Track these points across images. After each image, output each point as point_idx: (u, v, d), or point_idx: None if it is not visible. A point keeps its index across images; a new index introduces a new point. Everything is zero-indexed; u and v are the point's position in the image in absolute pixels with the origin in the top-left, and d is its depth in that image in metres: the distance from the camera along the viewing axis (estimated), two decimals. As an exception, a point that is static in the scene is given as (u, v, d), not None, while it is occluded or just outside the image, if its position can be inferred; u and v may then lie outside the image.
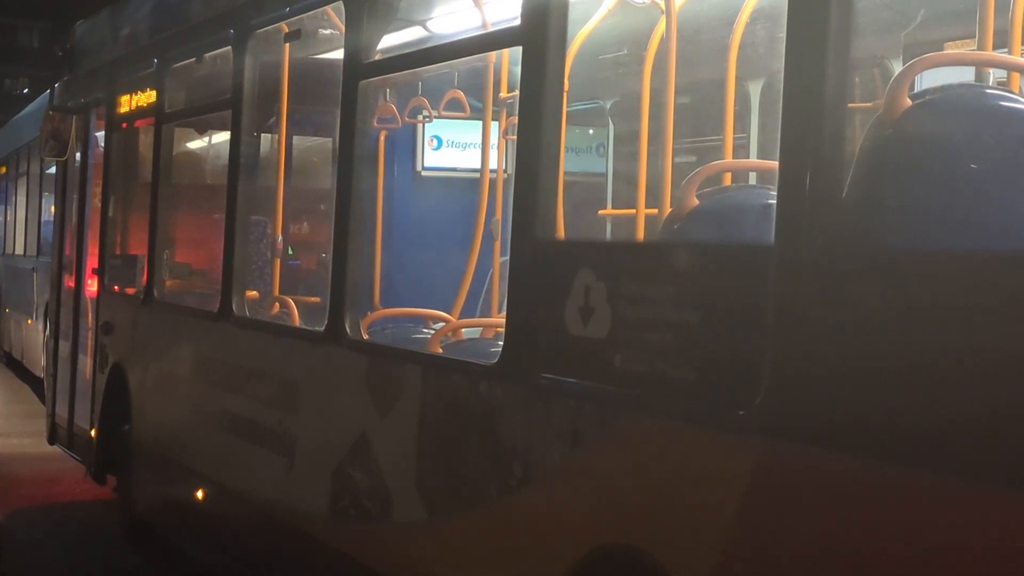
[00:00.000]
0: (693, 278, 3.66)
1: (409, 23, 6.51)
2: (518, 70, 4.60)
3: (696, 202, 4.01)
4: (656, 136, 4.62)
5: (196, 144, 9.50)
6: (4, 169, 20.76)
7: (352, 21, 5.72)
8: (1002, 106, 3.41)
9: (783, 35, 3.35)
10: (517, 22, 4.50)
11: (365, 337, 5.66)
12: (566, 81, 4.36)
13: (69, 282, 10.61)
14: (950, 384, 2.85)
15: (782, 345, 3.25)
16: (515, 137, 4.67)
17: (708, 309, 3.55)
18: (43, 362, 13.57)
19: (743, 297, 3.44)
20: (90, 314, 9.74)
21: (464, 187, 7.03)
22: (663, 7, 4.59)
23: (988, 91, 3.57)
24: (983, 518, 2.76)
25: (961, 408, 2.82)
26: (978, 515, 2.76)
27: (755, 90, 6.30)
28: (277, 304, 6.89)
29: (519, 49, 4.51)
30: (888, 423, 2.98)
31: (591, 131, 8.05)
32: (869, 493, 3.02)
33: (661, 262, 3.92)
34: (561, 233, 4.35)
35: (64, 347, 10.57)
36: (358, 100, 5.65)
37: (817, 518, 3.15)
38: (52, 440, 10.80)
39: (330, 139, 7.14)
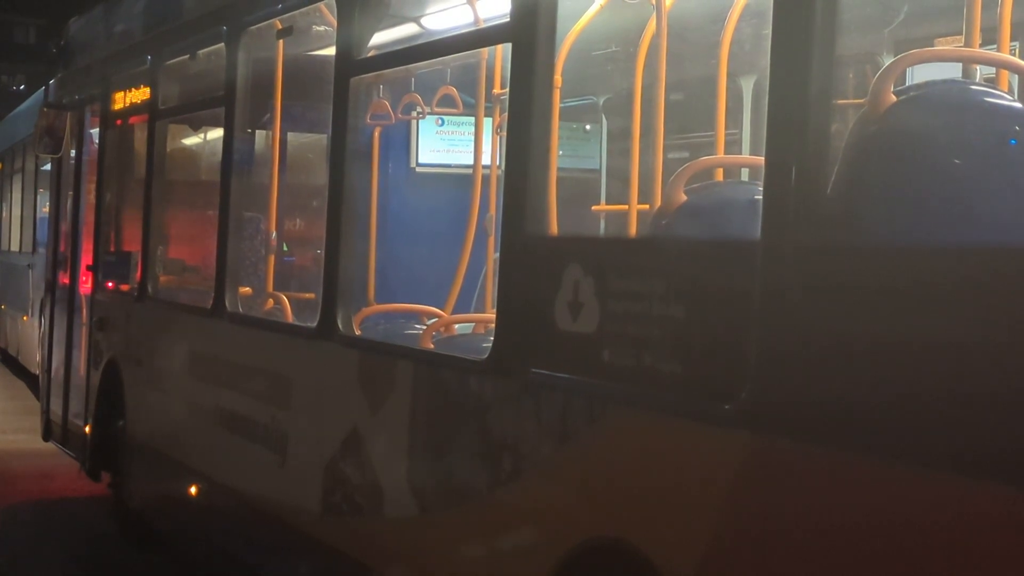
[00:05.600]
0: (680, 273, 3.68)
1: (401, 19, 6.52)
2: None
3: (684, 198, 4.02)
4: (649, 132, 4.63)
5: (190, 140, 9.51)
6: (1, 166, 20.76)
7: (344, 17, 5.73)
8: (985, 102, 3.43)
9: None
10: (506, 19, 4.51)
11: (357, 333, 5.67)
12: (558, 77, 4.37)
13: (64, 279, 10.62)
14: (936, 377, 2.86)
15: (768, 339, 3.27)
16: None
17: (695, 304, 3.57)
18: (38, 358, 13.57)
19: (730, 292, 3.45)
20: (84, 311, 9.75)
21: (458, 183, 7.04)
22: (654, 3, 4.61)
23: (972, 87, 3.59)
24: (972, 512, 2.76)
25: (948, 401, 2.83)
26: (967, 509, 2.77)
27: (747, 86, 6.31)
28: (271, 300, 6.91)
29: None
30: (874, 417, 2.99)
31: (588, 127, 8.06)
32: (855, 487, 3.03)
33: (648, 257, 3.94)
34: (553, 229, 4.36)
35: (59, 343, 10.58)
36: (350, 96, 5.67)
37: (803, 511, 3.17)
38: (47, 436, 10.81)
39: (324, 135, 7.15)
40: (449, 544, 4.75)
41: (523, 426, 4.24)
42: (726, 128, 5.00)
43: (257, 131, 7.73)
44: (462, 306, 6.25)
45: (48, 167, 13.27)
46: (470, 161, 6.43)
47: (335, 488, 5.58)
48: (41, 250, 15.26)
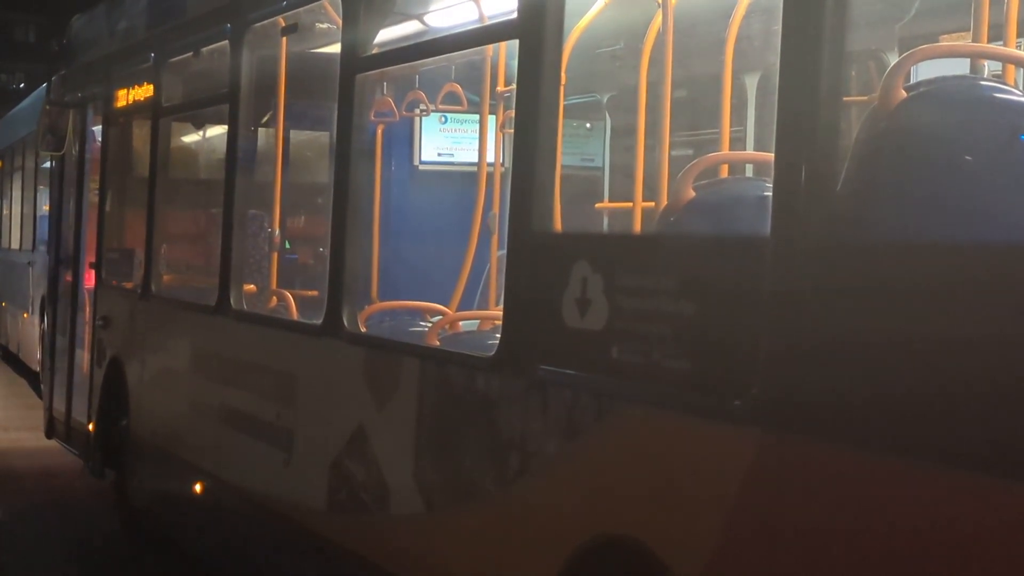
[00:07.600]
0: (689, 270, 3.68)
1: (406, 17, 6.52)
2: (515, 64, 4.62)
3: (692, 194, 4.02)
4: (653, 129, 4.63)
5: (193, 138, 9.51)
6: (1, 164, 20.76)
7: (349, 15, 5.73)
8: (995, 97, 3.43)
9: (779, 28, 3.36)
10: (514, 16, 4.52)
11: (363, 330, 5.67)
12: (563, 74, 4.37)
13: (66, 276, 10.62)
14: (949, 375, 2.86)
15: (778, 336, 3.27)
16: (512, 131, 4.68)
17: (704, 300, 3.57)
18: (39, 356, 13.57)
19: (739, 288, 3.45)
20: (87, 308, 9.75)
21: (462, 181, 7.05)
22: (659, 0, 4.60)
23: (982, 83, 3.59)
24: (986, 510, 2.76)
25: (961, 399, 2.83)
26: (981, 507, 2.77)
27: (751, 83, 6.31)
28: (275, 297, 6.91)
29: (516, 42, 4.53)
30: (883, 414, 2.99)
31: (588, 125, 8.06)
32: (866, 484, 3.03)
33: (657, 254, 3.93)
34: (558, 226, 4.36)
35: (61, 341, 10.58)
36: (355, 94, 5.67)
37: (814, 508, 3.16)
38: (50, 434, 10.80)
39: (327, 133, 7.15)
40: (456, 541, 4.75)
41: (531, 423, 4.24)
42: (730, 125, 5.00)
43: (260, 129, 7.74)
44: (465, 303, 6.25)
45: (48, 164, 13.26)
46: (474, 158, 6.44)
47: (341, 486, 5.58)
48: (41, 248, 15.28)
